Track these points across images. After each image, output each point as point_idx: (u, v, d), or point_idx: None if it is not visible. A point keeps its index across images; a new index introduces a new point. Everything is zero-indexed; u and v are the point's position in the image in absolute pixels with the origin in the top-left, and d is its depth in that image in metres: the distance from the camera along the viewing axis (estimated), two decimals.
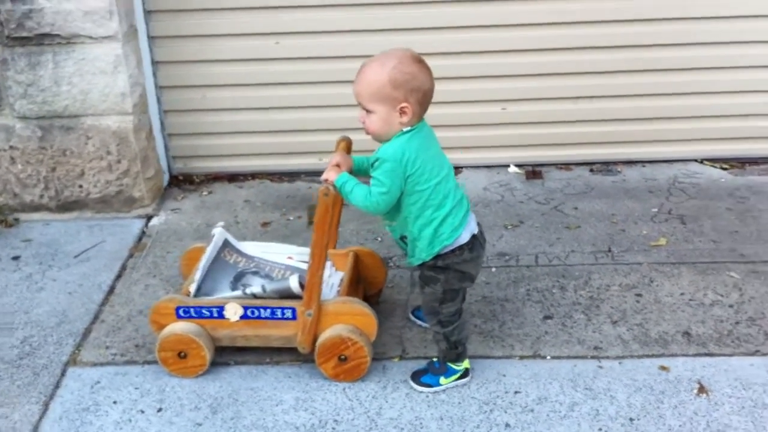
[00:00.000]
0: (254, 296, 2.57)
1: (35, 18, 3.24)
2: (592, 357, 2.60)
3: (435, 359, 2.52)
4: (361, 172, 2.43)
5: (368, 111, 2.25)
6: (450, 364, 2.48)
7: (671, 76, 3.71)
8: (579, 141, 3.84)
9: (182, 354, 2.55)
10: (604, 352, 2.61)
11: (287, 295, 2.54)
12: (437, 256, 2.34)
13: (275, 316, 2.53)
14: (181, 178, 3.93)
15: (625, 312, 2.79)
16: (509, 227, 3.34)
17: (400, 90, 2.20)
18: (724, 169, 3.80)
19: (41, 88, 3.36)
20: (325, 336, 2.49)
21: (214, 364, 2.63)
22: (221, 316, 2.54)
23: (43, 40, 3.28)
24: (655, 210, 3.45)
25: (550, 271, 3.04)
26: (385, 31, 3.62)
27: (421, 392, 2.48)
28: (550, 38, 3.63)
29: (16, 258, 3.31)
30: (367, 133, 2.30)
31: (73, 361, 2.70)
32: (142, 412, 2.47)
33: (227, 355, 2.67)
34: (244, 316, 2.54)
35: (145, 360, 2.69)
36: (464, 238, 2.34)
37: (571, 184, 3.70)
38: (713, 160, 3.86)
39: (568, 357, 2.60)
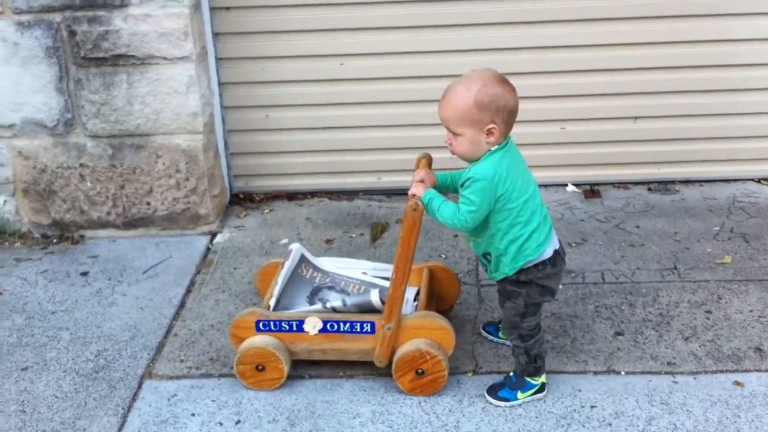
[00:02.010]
0: (334, 310, 2.61)
1: (111, 39, 3.34)
2: (666, 372, 2.60)
3: (512, 373, 2.54)
4: (443, 189, 2.46)
5: (455, 134, 2.29)
6: (528, 379, 2.50)
7: (727, 97, 3.73)
8: (636, 161, 3.86)
9: (260, 367, 2.60)
10: (678, 368, 2.62)
11: (367, 309, 2.58)
12: (520, 271, 2.37)
13: (354, 330, 2.56)
14: (241, 196, 4.00)
15: (696, 328, 2.80)
16: (573, 245, 3.36)
17: (487, 112, 2.23)
18: None
19: (114, 107, 3.45)
20: (403, 350, 2.52)
21: (289, 378, 2.67)
22: (301, 329, 2.59)
23: (117, 60, 3.38)
24: (717, 228, 3.45)
25: (617, 288, 3.05)
26: (443, 53, 3.70)
27: (498, 406, 2.50)
28: (608, 59, 3.67)
29: (84, 274, 3.39)
30: (453, 153, 2.34)
31: (148, 374, 2.76)
32: (221, 424, 2.51)
33: (301, 368, 2.71)
34: (323, 330, 2.58)
35: (221, 373, 2.73)
36: (548, 253, 2.37)
37: (630, 203, 3.72)
38: None
39: (642, 372, 2.61)
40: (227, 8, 3.67)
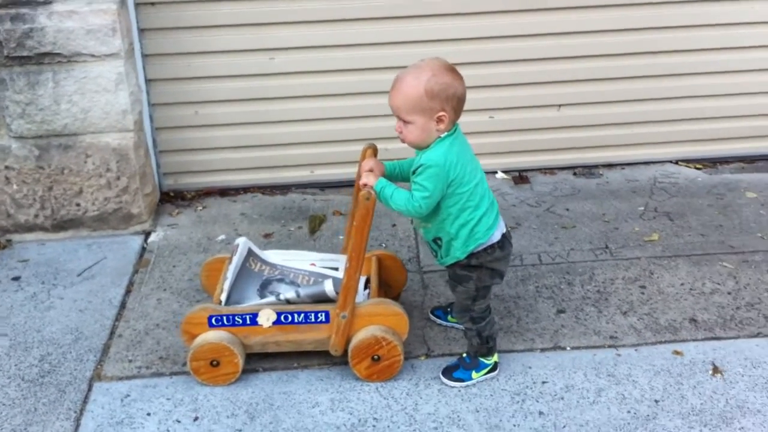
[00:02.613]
0: (288, 302, 2.62)
1: (36, 37, 3.24)
2: (610, 346, 2.72)
3: (465, 355, 2.61)
4: (392, 178, 2.51)
5: (406, 122, 2.33)
6: (481, 359, 2.57)
7: (646, 83, 3.90)
8: (561, 146, 3.99)
9: (215, 362, 2.58)
10: (620, 341, 2.74)
11: (321, 299, 2.60)
12: (470, 255, 2.44)
13: (308, 321, 2.58)
14: (172, 194, 3.93)
15: (633, 303, 2.93)
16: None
17: (437, 100, 2.29)
18: (698, 168, 4.01)
19: (40, 107, 3.34)
20: (359, 337, 2.56)
21: (243, 372, 2.66)
22: (254, 323, 2.58)
23: (43, 59, 3.28)
24: (642, 209, 3.62)
25: (554, 269, 3.16)
26: (373, 45, 3.74)
27: (453, 387, 2.56)
28: (534, 49, 3.79)
29: (16, 278, 3.28)
30: (404, 141, 2.39)
31: (97, 376, 2.70)
32: (179, 421, 2.49)
33: (254, 362, 2.71)
34: (277, 322, 2.58)
35: (172, 371, 2.70)
36: (496, 236, 2.45)
37: (557, 187, 3.85)
38: (687, 161, 4.06)
39: (587, 347, 2.72)
40: (152, 3, 3.61)
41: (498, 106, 3.90)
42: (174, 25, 3.66)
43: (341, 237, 3.49)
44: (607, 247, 3.30)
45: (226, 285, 2.68)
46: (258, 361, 2.71)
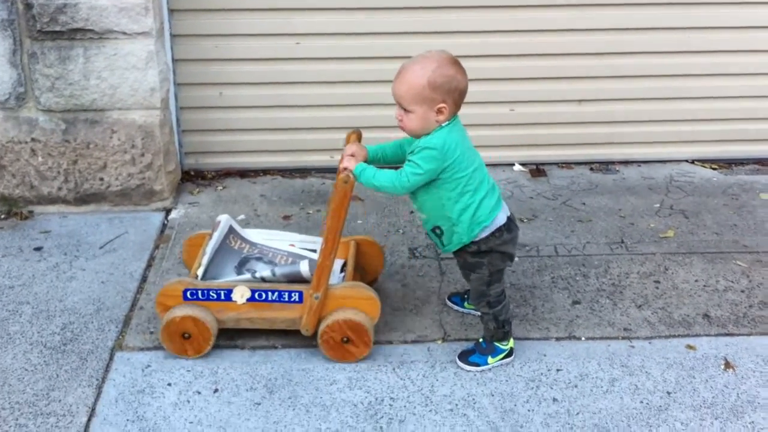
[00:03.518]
0: (263, 280, 2.68)
1: (69, 13, 3.28)
2: (623, 338, 2.76)
3: (482, 340, 2.65)
4: (375, 162, 2.57)
5: (407, 111, 2.40)
6: (497, 344, 2.62)
7: (666, 82, 3.94)
8: (580, 141, 4.03)
9: (186, 335, 2.63)
10: (633, 333, 2.78)
11: (296, 279, 2.66)
12: (480, 241, 2.49)
13: (282, 300, 2.63)
14: (192, 173, 3.99)
15: (647, 297, 2.98)
16: (525, 221, 3.51)
17: (439, 92, 2.35)
18: (714, 169, 4.04)
19: (69, 81, 3.39)
20: (330, 319, 2.60)
21: (263, 348, 2.72)
22: (229, 298, 2.63)
23: (75, 35, 3.33)
24: (657, 205, 3.65)
25: (570, 261, 3.21)
26: (396, 35, 3.79)
27: (469, 371, 2.60)
28: (556, 44, 3.83)
29: (38, 249, 3.33)
30: (403, 129, 2.45)
31: (118, 346, 2.75)
32: (199, 393, 2.54)
33: (273, 339, 2.76)
34: (251, 299, 2.64)
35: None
36: (501, 219, 2.51)
37: (574, 181, 3.89)
38: (703, 161, 4.10)
39: (602, 338, 2.76)
40: None
41: (518, 99, 3.94)
42: (203, 6, 3.70)
43: (360, 221, 3.53)
44: (622, 241, 3.34)
45: (204, 260, 2.73)
46: (277, 338, 2.76)
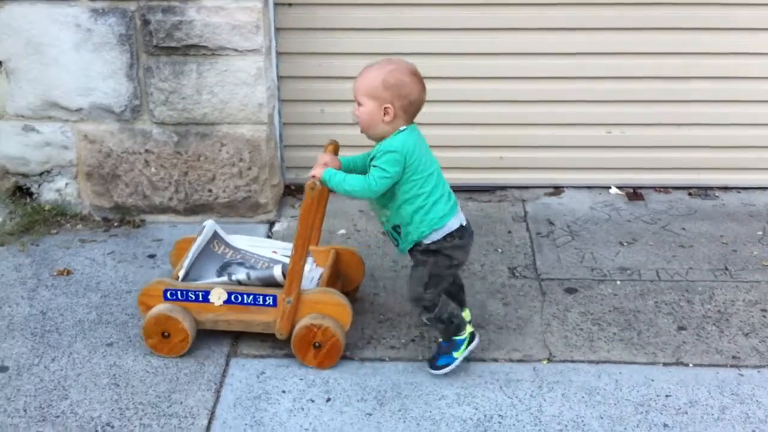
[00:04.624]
0: (239, 283, 2.79)
1: (184, 29, 3.42)
2: (732, 366, 2.75)
3: (441, 340, 2.73)
4: (348, 171, 2.68)
5: (359, 103, 2.55)
6: (455, 338, 2.70)
7: (766, 108, 3.90)
8: (678, 166, 4.01)
9: (165, 334, 2.76)
10: (742, 362, 2.77)
11: (270, 283, 2.78)
12: (430, 242, 2.59)
13: (257, 303, 2.75)
14: (293, 187, 4.09)
15: (754, 325, 2.95)
16: (625, 244, 3.51)
17: (388, 92, 2.51)
18: None
19: (182, 96, 3.53)
20: (301, 323, 2.70)
21: (371, 360, 2.79)
22: (206, 300, 2.76)
23: (189, 50, 3.47)
24: (760, 233, 3.62)
25: (673, 286, 3.20)
26: (495, 55, 3.83)
27: (441, 373, 2.69)
28: (656, 67, 3.82)
29: (152, 256, 3.47)
30: (358, 123, 2.60)
31: (234, 352, 2.85)
32: (312, 401, 2.62)
33: (380, 351, 2.83)
34: (227, 301, 2.76)
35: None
36: (453, 224, 2.62)
37: (673, 206, 3.87)
38: None
39: (710, 365, 2.75)
40: (290, 4, 3.77)
41: (616, 121, 3.95)
42: (308, 26, 3.81)
43: None
44: (726, 268, 3.32)
45: (186, 262, 2.86)
46: (384, 350, 2.83)
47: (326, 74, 3.89)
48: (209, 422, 2.53)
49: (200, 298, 2.77)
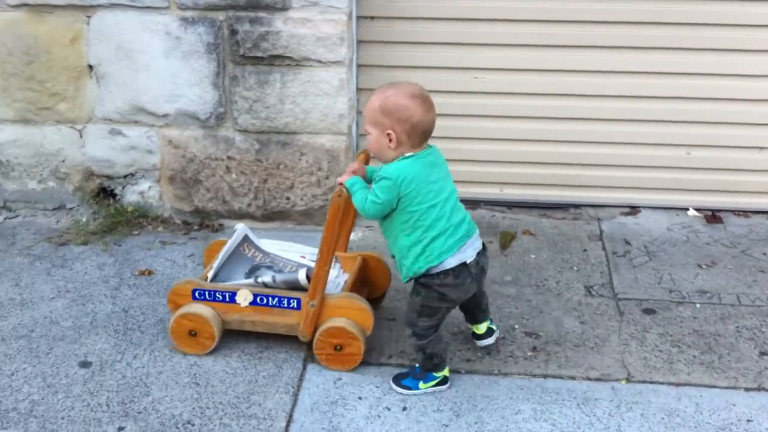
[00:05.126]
0: (265, 285, 2.82)
1: (271, 40, 3.50)
2: None
3: (417, 365, 2.71)
4: (371, 181, 2.65)
5: (367, 132, 2.55)
6: (430, 372, 2.67)
7: None
8: (759, 190, 3.95)
9: (193, 332, 2.82)
10: None
11: (295, 286, 2.81)
12: (422, 275, 2.54)
13: (282, 305, 2.79)
14: None
15: None
16: (704, 267, 3.46)
17: (388, 118, 2.47)
18: None
19: (266, 105, 3.61)
20: (324, 326, 2.72)
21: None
22: (233, 300, 2.81)
23: (274, 61, 3.54)
24: None
25: (755, 311, 3.14)
26: (576, 73, 3.82)
27: (401, 393, 2.68)
28: (738, 89, 3.77)
29: None
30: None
31: (311, 357, 2.89)
32: (389, 409, 2.64)
33: (455, 363, 2.83)
34: (253, 303, 2.81)
35: (378, 362, 2.86)
36: (450, 263, 2.53)
37: (753, 230, 3.80)
38: None
39: None
40: (371, 18, 3.83)
41: (696, 143, 3.90)
42: (387, 39, 3.86)
43: (533, 256, 3.58)
44: None
45: (216, 264, 2.91)
46: (459, 362, 2.83)
47: None
48: (287, 425, 2.56)
49: (227, 299, 2.83)
